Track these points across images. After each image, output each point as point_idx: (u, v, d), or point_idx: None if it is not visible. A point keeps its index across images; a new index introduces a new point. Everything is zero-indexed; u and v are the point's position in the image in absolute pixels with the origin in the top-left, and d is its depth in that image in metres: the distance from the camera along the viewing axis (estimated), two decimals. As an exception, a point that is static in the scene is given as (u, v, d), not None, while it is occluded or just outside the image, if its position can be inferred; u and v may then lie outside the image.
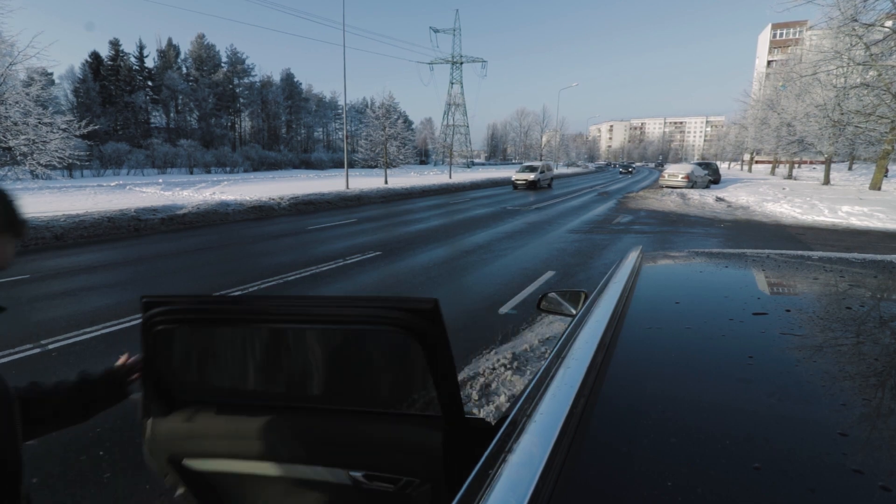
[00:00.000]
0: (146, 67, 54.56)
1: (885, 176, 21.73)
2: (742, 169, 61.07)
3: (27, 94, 13.45)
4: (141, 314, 1.02)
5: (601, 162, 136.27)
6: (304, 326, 1.00)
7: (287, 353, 1.05)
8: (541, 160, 71.67)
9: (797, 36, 65.33)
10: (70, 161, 15.08)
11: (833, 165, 30.54)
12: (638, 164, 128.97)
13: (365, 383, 1.06)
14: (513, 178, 26.96)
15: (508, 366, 3.68)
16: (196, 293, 1.09)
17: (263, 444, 1.07)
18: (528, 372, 3.58)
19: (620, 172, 58.02)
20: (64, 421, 0.91)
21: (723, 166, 62.81)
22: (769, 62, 76.64)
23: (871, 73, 17.23)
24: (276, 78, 66.16)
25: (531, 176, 26.06)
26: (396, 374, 1.03)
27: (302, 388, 1.08)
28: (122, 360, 1.04)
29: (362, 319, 0.94)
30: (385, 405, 1.06)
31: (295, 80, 68.28)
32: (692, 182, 24.41)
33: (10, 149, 13.08)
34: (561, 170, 63.91)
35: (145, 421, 1.12)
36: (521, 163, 77.09)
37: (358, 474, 1.05)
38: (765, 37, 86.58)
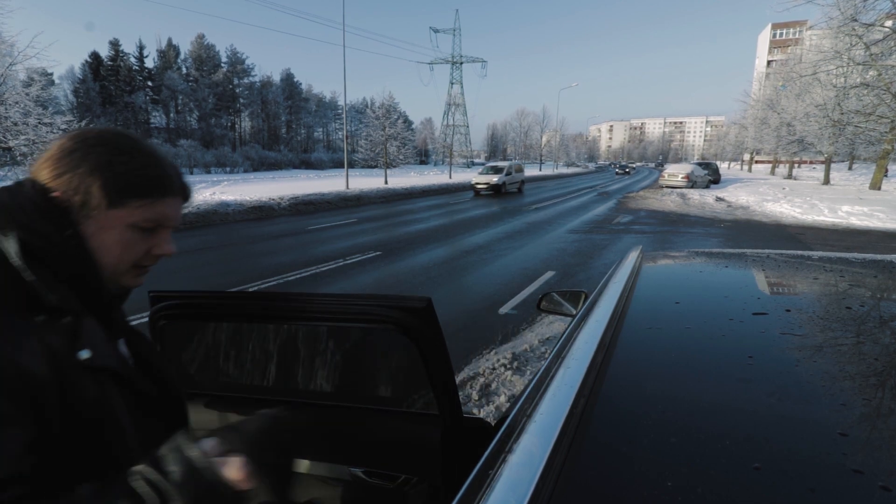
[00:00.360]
0: (146, 67, 54.63)
1: (885, 176, 21.74)
2: (742, 169, 61.08)
3: (27, 94, 13.46)
4: (149, 308, 1.04)
5: (602, 162, 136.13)
6: (300, 323, 1.02)
7: (288, 349, 1.07)
8: (507, 159, 70.10)
9: (797, 36, 65.33)
10: (70, 161, 15.07)
11: (833, 165, 30.56)
12: (638, 163, 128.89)
13: (365, 380, 1.06)
14: (472, 182, 23.12)
15: (508, 366, 3.68)
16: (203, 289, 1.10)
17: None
18: (528, 372, 3.58)
19: (617, 173, 53.04)
20: None
21: (723, 166, 62.67)
22: (769, 62, 76.69)
23: (871, 72, 17.23)
24: (276, 78, 66.29)
25: (495, 178, 22.56)
26: (396, 372, 1.04)
27: (304, 383, 1.10)
28: None
29: (356, 317, 0.95)
30: (385, 403, 1.07)
31: (295, 80, 68.38)
32: (692, 182, 24.42)
33: (10, 149, 13.09)
34: (561, 169, 63.82)
35: None
36: (520, 163, 76.84)
37: (358, 471, 1.06)
38: (765, 37, 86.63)
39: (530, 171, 50.35)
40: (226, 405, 1.13)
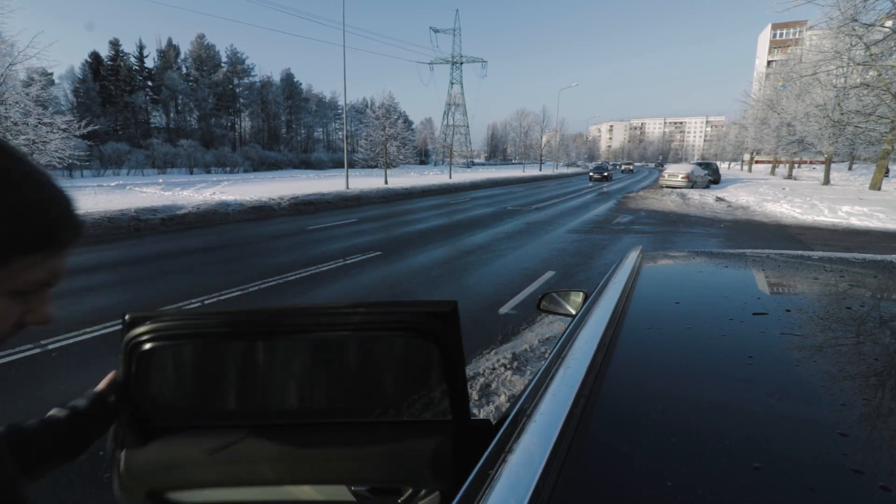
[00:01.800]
0: (146, 67, 54.59)
1: (886, 176, 21.75)
2: (742, 169, 61.09)
3: (27, 94, 13.47)
4: (122, 332, 0.88)
5: (613, 162, 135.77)
6: (313, 336, 0.92)
7: (290, 366, 0.97)
8: (507, 160, 66.90)
9: (797, 36, 65.35)
10: (70, 161, 15.09)
11: (833, 165, 30.57)
12: (638, 163, 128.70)
13: (373, 392, 0.99)
14: None
15: (508, 366, 3.68)
16: (190, 306, 0.91)
17: (259, 466, 0.96)
18: (528, 372, 3.58)
19: (592, 178, 37.07)
20: (56, 461, 0.78)
21: (723, 166, 62.68)
22: (769, 62, 76.71)
23: (871, 73, 17.25)
24: (276, 78, 66.30)
25: None
26: (406, 380, 0.98)
27: (305, 402, 0.99)
28: (106, 380, 0.89)
29: (379, 326, 0.90)
30: (394, 413, 1.00)
31: (295, 80, 68.38)
32: (692, 182, 24.43)
33: (10, 149, 13.08)
34: (561, 169, 63.80)
35: (118, 453, 0.96)
36: (521, 163, 77.28)
37: (361, 489, 0.98)
38: (765, 37, 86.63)
39: (531, 171, 50.19)
40: (219, 435, 0.98)
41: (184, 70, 57.68)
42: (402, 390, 0.99)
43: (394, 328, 0.90)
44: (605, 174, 36.77)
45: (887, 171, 22.19)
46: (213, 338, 0.91)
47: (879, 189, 20.31)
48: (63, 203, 0.51)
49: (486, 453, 0.60)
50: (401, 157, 30.61)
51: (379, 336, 0.92)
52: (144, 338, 0.87)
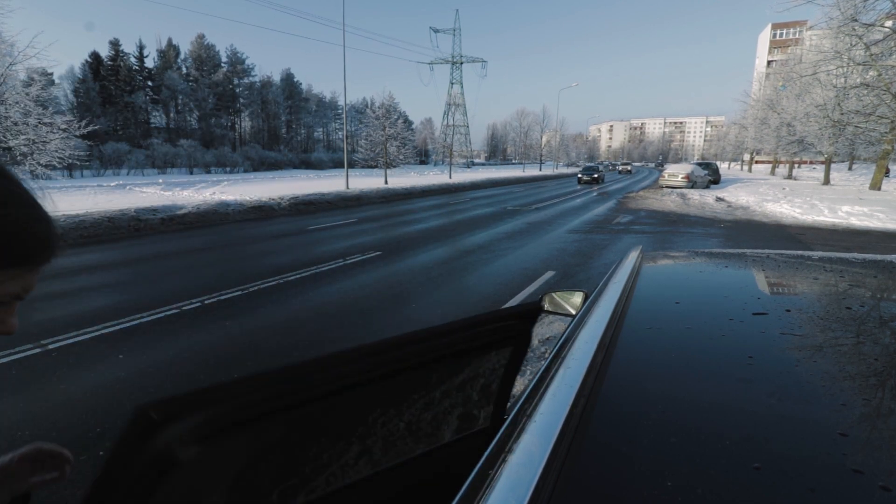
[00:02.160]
0: (146, 67, 54.63)
1: (886, 176, 21.76)
2: (742, 169, 61.09)
3: (27, 94, 13.47)
4: (132, 437, 0.48)
5: (612, 162, 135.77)
6: (416, 369, 0.76)
7: (373, 412, 0.75)
8: (507, 159, 64.59)
9: (797, 36, 65.37)
10: (70, 161, 15.10)
11: (833, 165, 30.59)
12: (637, 163, 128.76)
13: (448, 414, 0.86)
14: None
15: (508, 366, 3.68)
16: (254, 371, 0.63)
17: None
18: (528, 372, 3.58)
19: (581, 180, 33.76)
20: None
21: (723, 166, 62.75)
22: (769, 62, 76.75)
23: (871, 73, 17.26)
24: (276, 78, 66.35)
25: None
26: (478, 392, 0.88)
27: (381, 450, 0.80)
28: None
29: (487, 343, 0.82)
30: (452, 432, 0.87)
31: (295, 80, 68.43)
32: (692, 182, 24.44)
33: (10, 149, 13.11)
34: (561, 169, 63.83)
35: None
36: (521, 163, 77.38)
37: None
38: (765, 37, 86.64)
39: (531, 171, 50.17)
40: None
41: (184, 70, 57.70)
42: (474, 403, 0.89)
43: (498, 340, 0.83)
44: (596, 176, 33.93)
45: (887, 171, 22.19)
46: (285, 406, 0.62)
47: (879, 189, 20.31)
48: (44, 222, 0.52)
49: (486, 453, 0.60)
50: (401, 157, 30.60)
51: (482, 352, 0.83)
52: (186, 438, 0.50)
